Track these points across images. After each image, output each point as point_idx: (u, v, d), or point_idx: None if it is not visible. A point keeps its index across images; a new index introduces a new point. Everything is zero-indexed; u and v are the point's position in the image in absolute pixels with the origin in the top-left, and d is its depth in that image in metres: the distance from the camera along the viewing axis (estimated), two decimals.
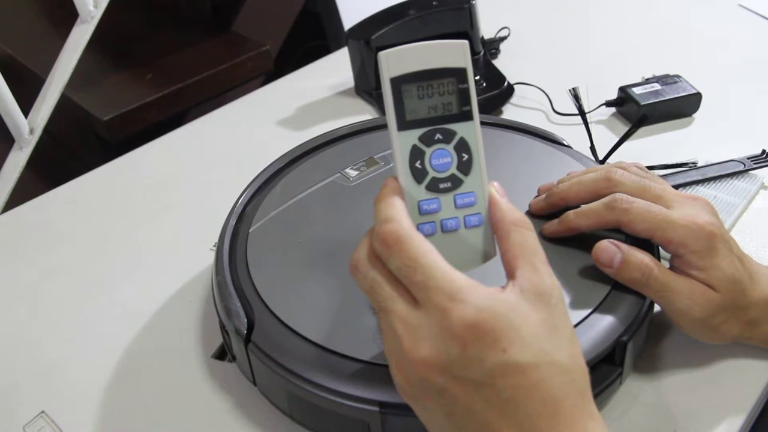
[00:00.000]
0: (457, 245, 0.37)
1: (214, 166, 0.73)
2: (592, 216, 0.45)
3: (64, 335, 0.54)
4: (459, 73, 0.36)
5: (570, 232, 0.46)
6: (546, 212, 0.49)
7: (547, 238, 0.47)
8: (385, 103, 0.36)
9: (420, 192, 0.36)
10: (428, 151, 0.36)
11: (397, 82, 0.35)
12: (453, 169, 0.36)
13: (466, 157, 0.37)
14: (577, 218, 0.46)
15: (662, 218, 0.42)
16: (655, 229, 0.42)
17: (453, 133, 0.36)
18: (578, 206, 0.46)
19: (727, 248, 0.42)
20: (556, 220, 0.47)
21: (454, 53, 0.36)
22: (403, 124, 0.36)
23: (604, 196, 0.45)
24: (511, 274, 0.35)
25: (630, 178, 0.45)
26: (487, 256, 0.37)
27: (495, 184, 0.37)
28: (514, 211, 0.36)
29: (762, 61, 0.82)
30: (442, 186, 0.36)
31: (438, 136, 0.36)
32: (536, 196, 0.50)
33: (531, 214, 0.49)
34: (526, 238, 0.35)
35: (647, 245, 0.45)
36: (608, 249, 0.43)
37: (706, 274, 0.42)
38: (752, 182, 0.61)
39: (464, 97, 0.36)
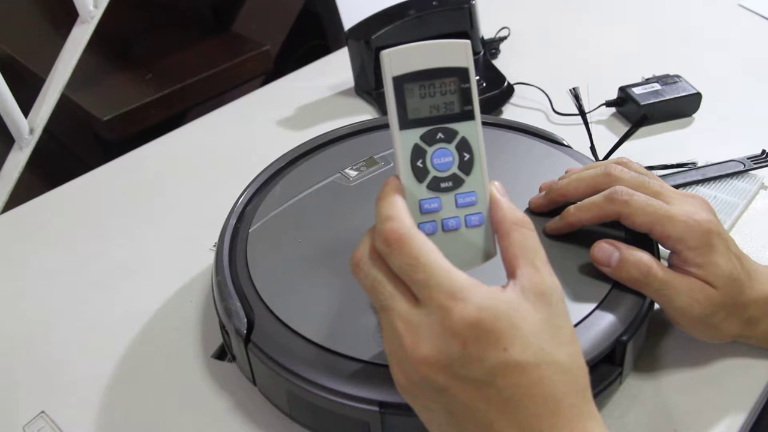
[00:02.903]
0: (458, 244, 0.37)
1: (214, 166, 0.73)
2: (592, 209, 0.45)
3: (64, 335, 0.54)
4: (461, 73, 0.36)
5: (571, 226, 0.46)
6: (546, 209, 0.49)
7: (548, 237, 0.47)
8: (386, 102, 0.36)
9: (421, 191, 0.36)
10: (430, 150, 0.36)
11: (400, 81, 0.35)
12: (454, 169, 0.36)
13: (467, 156, 0.37)
14: (577, 212, 0.45)
15: (662, 213, 0.42)
16: (655, 223, 0.42)
17: (455, 133, 0.36)
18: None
19: (724, 246, 0.42)
20: (557, 217, 0.47)
21: (456, 53, 0.36)
22: (405, 123, 0.36)
23: (603, 191, 0.45)
24: (511, 274, 0.35)
25: (629, 174, 0.45)
26: (487, 256, 0.37)
27: (496, 183, 0.37)
28: (514, 211, 0.36)
29: (762, 61, 0.82)
30: (443, 185, 0.36)
31: (439, 135, 0.36)
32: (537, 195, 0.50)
33: (531, 212, 0.49)
34: (527, 237, 0.35)
35: (646, 244, 0.45)
36: (605, 248, 0.43)
37: (704, 271, 0.42)
38: (752, 182, 0.61)
39: (466, 96, 0.36)
